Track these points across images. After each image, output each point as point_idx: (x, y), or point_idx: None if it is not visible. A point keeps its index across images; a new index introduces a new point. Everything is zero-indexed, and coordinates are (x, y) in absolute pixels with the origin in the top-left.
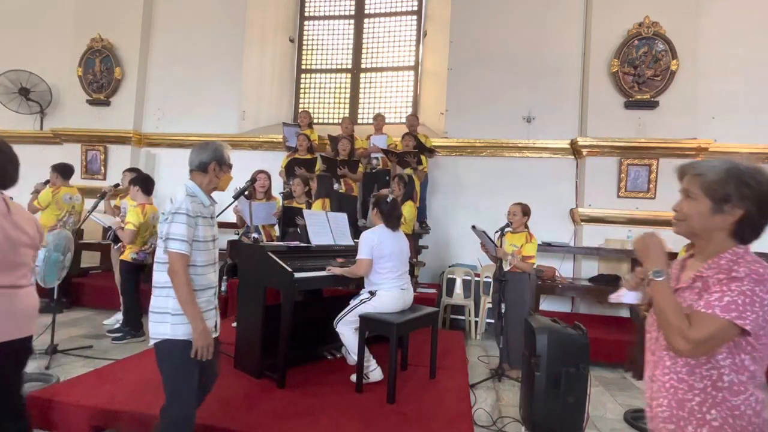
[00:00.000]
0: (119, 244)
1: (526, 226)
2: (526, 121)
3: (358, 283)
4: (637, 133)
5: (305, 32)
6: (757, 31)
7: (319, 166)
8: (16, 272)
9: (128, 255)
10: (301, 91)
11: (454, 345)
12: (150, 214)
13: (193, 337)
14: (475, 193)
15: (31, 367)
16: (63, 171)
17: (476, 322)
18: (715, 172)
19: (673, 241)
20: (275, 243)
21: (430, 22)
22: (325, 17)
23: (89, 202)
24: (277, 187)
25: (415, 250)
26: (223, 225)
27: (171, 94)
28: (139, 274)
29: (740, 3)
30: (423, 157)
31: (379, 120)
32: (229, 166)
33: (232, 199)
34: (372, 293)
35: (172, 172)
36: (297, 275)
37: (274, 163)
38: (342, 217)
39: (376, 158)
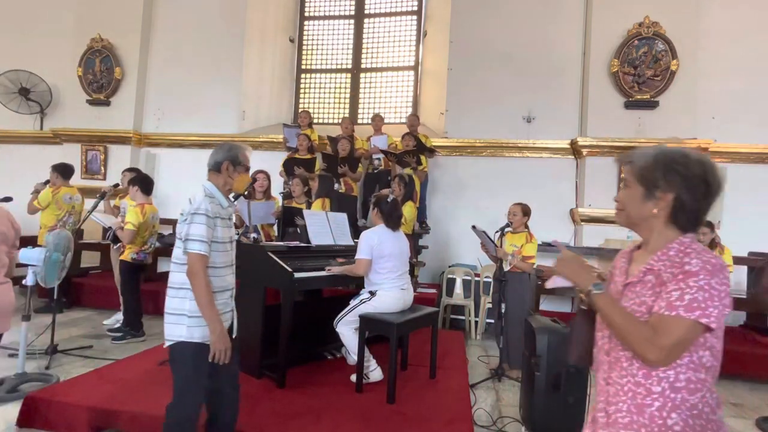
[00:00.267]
0: (119, 244)
1: (527, 226)
2: (526, 121)
3: (358, 283)
4: (637, 133)
5: (305, 32)
6: (757, 31)
7: (319, 164)
8: None
9: (128, 255)
10: (301, 91)
11: (454, 345)
12: (149, 214)
13: (212, 340)
14: (475, 193)
15: (31, 367)
16: (63, 171)
17: (476, 322)
18: (645, 159)
19: None
20: (275, 243)
21: (430, 22)
22: (325, 17)
23: (89, 202)
24: (277, 187)
25: (415, 250)
26: None
27: (171, 94)
28: (139, 274)
29: (740, 3)
30: (423, 157)
31: (377, 120)
32: (245, 167)
33: (231, 200)
34: (372, 293)
35: (172, 172)
36: (297, 275)
37: (274, 163)
38: (342, 217)
39: (378, 159)
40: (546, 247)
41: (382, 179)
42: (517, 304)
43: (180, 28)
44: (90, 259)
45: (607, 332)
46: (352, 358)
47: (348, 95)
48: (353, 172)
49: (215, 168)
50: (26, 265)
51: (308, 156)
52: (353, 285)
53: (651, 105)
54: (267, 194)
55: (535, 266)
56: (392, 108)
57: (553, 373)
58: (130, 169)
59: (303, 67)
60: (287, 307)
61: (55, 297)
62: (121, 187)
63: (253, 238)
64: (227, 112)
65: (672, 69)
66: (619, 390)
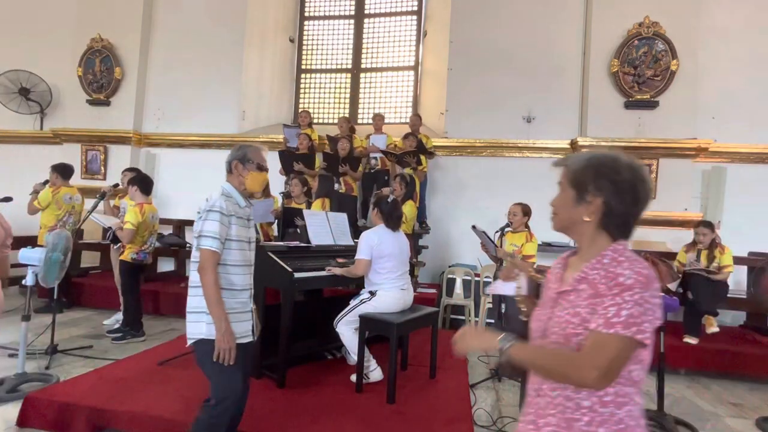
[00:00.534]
0: (119, 244)
1: (527, 226)
2: (526, 121)
3: (358, 283)
4: (637, 133)
5: (305, 32)
6: (757, 31)
7: (319, 163)
8: None
9: (128, 255)
10: (301, 91)
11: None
12: (148, 213)
13: (216, 337)
14: (475, 193)
15: (31, 367)
16: (63, 171)
17: (476, 322)
18: (578, 162)
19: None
20: (275, 243)
21: (430, 22)
22: (325, 17)
23: (89, 202)
24: (277, 187)
25: (415, 250)
26: None
27: (171, 94)
28: (139, 274)
29: (740, 3)
30: (423, 158)
31: (378, 120)
32: (256, 165)
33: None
34: (372, 293)
35: (172, 172)
36: (297, 275)
37: (274, 163)
38: (342, 217)
39: (375, 158)
40: (546, 247)
41: (379, 179)
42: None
43: (180, 28)
44: (90, 259)
45: (540, 342)
46: (352, 358)
47: (348, 95)
48: (354, 171)
49: (227, 169)
50: (26, 265)
51: (306, 152)
52: (353, 285)
53: (651, 105)
54: (266, 192)
55: (535, 266)
56: (392, 108)
57: None
58: (129, 169)
59: (303, 67)
60: (287, 307)
61: (55, 297)
62: (121, 187)
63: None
64: (227, 112)
65: (672, 69)
66: (550, 403)
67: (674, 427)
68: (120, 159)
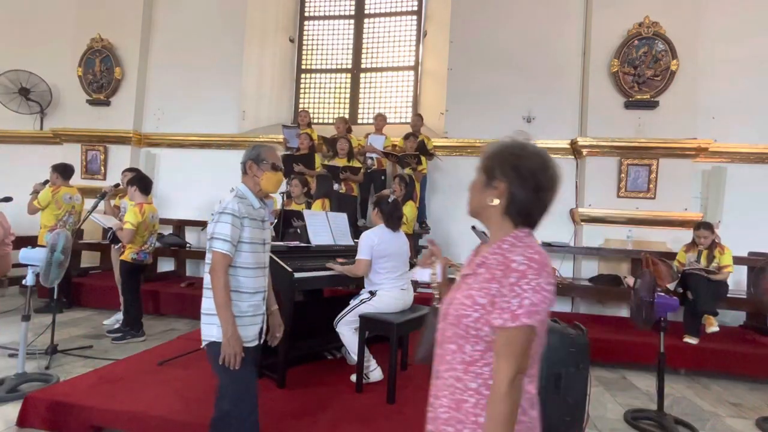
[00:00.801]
0: (119, 244)
1: None
2: (526, 121)
3: (358, 283)
4: (637, 133)
5: (305, 32)
6: (757, 32)
7: (319, 161)
8: None
9: (128, 255)
10: (301, 91)
11: None
12: (148, 213)
13: (222, 341)
14: None
15: (31, 367)
16: (63, 171)
17: None
18: (491, 148)
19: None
20: (275, 243)
21: (430, 22)
22: (325, 17)
23: (89, 202)
24: None
25: (415, 250)
26: None
27: (171, 94)
28: (139, 274)
29: (740, 3)
30: (423, 158)
31: (379, 120)
32: (270, 164)
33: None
34: (372, 293)
35: (172, 173)
36: (297, 275)
37: None
38: (342, 217)
39: (371, 158)
40: (545, 247)
41: (375, 179)
42: None
43: (180, 28)
44: (90, 259)
45: (442, 324)
46: (352, 358)
47: (348, 95)
48: (355, 175)
49: (242, 170)
50: (26, 265)
51: (306, 152)
52: (353, 285)
53: (651, 105)
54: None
55: None
56: (392, 108)
57: (552, 374)
58: (129, 169)
59: (303, 67)
60: (287, 307)
61: (55, 297)
62: (121, 187)
63: None
64: (227, 112)
65: (672, 69)
66: (443, 384)
67: (674, 427)
68: (120, 159)
